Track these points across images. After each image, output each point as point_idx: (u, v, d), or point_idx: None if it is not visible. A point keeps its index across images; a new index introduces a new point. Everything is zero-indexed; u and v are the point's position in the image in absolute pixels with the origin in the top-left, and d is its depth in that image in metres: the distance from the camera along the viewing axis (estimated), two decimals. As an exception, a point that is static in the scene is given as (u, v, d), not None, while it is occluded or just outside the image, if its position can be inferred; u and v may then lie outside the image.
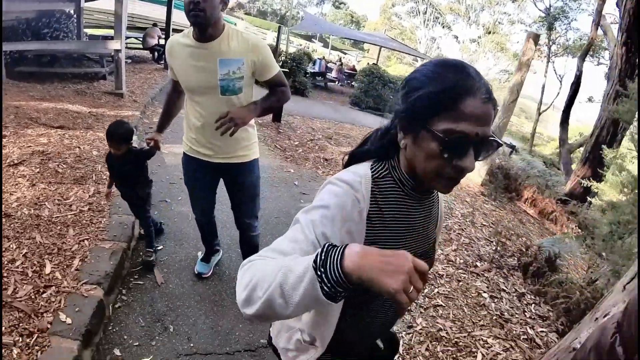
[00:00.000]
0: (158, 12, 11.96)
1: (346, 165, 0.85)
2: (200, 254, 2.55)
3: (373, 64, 13.82)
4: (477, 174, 6.43)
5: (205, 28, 1.62)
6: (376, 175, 0.78)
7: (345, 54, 31.38)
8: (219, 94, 1.73)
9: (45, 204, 2.46)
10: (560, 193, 6.36)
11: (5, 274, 1.85)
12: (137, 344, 1.85)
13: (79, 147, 3.47)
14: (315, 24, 15.06)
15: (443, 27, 31.50)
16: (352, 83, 14.46)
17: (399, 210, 0.80)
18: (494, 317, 2.84)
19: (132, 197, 2.37)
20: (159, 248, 2.60)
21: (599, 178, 4.16)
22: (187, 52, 1.70)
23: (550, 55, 16.88)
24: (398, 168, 0.79)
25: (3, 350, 1.50)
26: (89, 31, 10.31)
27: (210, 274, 2.48)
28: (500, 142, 0.73)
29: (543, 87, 16.84)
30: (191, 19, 1.56)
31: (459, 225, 4.45)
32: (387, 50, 21.01)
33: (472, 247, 4.01)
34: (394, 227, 0.80)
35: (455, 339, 2.49)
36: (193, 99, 1.81)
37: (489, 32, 27.88)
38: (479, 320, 2.77)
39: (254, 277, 0.62)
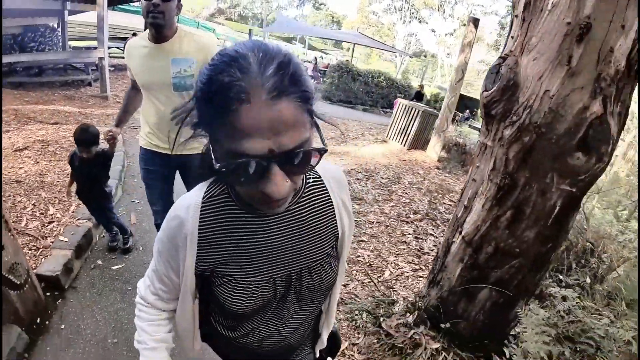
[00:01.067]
0: (136, 22, 12.61)
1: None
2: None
3: (345, 60, 14.61)
4: (432, 151, 7.17)
5: (162, 29, 1.75)
6: (208, 195, 0.70)
7: (326, 54, 32.09)
8: (172, 90, 1.85)
9: (47, 174, 3.19)
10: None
11: (18, 215, 2.57)
12: (114, 257, 2.59)
13: (72, 137, 4.20)
14: (287, 25, 15.80)
15: (420, 22, 32.38)
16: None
17: (240, 229, 0.70)
18: (413, 251, 3.53)
19: (94, 196, 2.47)
20: (131, 234, 2.74)
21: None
22: (144, 53, 1.82)
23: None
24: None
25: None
26: (73, 43, 10.91)
27: None
28: (322, 147, 0.57)
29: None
30: (149, 20, 1.70)
31: (403, 190, 5.15)
32: (367, 47, 21.81)
33: (410, 205, 4.68)
34: (234, 247, 0.71)
35: (370, 262, 3.19)
36: (149, 96, 1.91)
37: (464, 25, 28.75)
38: (397, 252, 3.47)
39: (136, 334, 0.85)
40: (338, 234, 0.81)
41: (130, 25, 13.06)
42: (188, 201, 0.70)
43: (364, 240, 3.55)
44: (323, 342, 0.98)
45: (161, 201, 2.20)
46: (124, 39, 11.14)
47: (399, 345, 2.01)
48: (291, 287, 0.77)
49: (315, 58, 19.99)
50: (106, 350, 1.89)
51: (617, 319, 2.06)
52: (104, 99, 6.49)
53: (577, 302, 2.05)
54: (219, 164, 0.53)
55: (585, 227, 3.21)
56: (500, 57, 1.43)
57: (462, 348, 1.89)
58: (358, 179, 5.21)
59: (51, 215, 2.67)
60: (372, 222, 3.96)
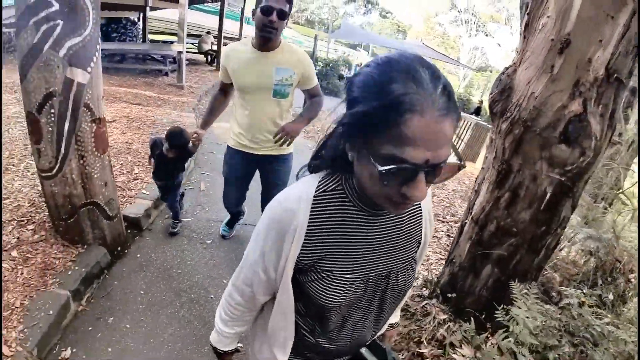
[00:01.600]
0: (211, 21, 13.72)
1: (300, 176, 0.79)
2: (225, 219, 2.90)
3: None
4: (481, 163, 7.22)
5: (271, 42, 1.91)
6: (322, 189, 0.71)
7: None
8: (271, 96, 2.01)
9: (133, 143, 3.84)
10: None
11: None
12: (184, 212, 3.10)
13: (153, 116, 4.92)
14: (351, 32, 16.27)
15: (486, 35, 31.51)
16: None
17: (349, 224, 0.72)
18: (443, 245, 3.67)
19: (167, 181, 2.65)
20: (182, 221, 2.91)
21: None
22: (247, 58, 1.96)
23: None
24: (351, 181, 0.71)
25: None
26: (151, 36, 12.15)
27: (232, 235, 2.90)
28: (462, 163, 0.66)
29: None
30: (262, 33, 1.85)
31: (445, 195, 5.25)
32: (430, 59, 21.67)
33: (450, 209, 4.80)
34: (340, 242, 0.72)
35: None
36: (244, 98, 2.07)
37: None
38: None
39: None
40: (421, 240, 0.85)
41: (205, 24, 14.24)
42: (299, 193, 0.71)
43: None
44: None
45: (236, 197, 2.49)
46: (198, 36, 12.23)
47: (411, 311, 2.32)
48: (379, 287, 0.79)
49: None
50: (170, 277, 2.37)
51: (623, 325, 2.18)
52: (180, 88, 7.30)
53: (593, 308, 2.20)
54: (381, 167, 0.55)
55: (615, 244, 3.26)
56: (505, 67, 1.73)
57: (468, 321, 2.16)
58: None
59: (135, 174, 3.25)
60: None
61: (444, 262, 3.41)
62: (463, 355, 1.78)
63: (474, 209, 2.00)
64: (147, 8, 10.35)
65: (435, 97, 0.52)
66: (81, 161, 2.02)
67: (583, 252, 3.18)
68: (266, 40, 1.89)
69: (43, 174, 2.01)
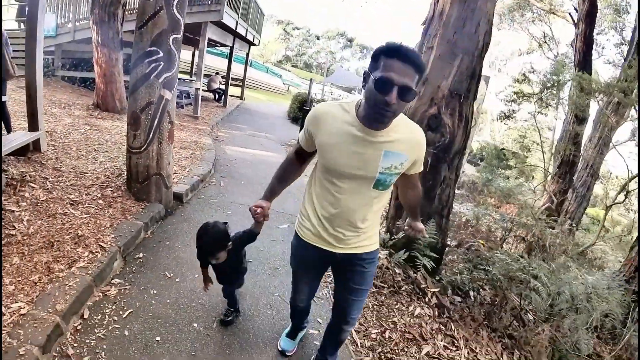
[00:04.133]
0: (218, 63, 15.50)
1: None
2: (286, 330, 2.34)
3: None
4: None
5: (384, 125, 1.39)
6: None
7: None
8: (371, 187, 1.51)
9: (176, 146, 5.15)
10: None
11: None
12: (211, 192, 4.34)
13: (178, 136, 6.29)
14: (343, 77, 18.22)
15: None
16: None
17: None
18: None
19: (233, 278, 2.28)
20: (238, 310, 2.46)
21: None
22: (347, 133, 1.43)
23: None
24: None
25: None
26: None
27: (294, 351, 2.27)
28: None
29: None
30: (376, 115, 1.32)
31: None
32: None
33: None
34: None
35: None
36: (333, 182, 1.54)
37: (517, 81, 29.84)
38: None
39: None
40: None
41: (212, 65, 16.04)
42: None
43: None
44: None
45: (308, 289, 1.96)
46: (208, 76, 13.90)
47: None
48: None
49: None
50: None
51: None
52: (195, 118, 8.74)
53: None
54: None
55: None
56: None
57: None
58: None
59: (181, 165, 4.58)
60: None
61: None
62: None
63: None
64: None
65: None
66: (159, 145, 3.31)
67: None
68: (381, 124, 1.38)
69: (133, 151, 3.30)
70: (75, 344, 1.95)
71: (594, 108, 8.54)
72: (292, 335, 2.29)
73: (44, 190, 3.29)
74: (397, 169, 1.49)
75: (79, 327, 2.06)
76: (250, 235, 2.02)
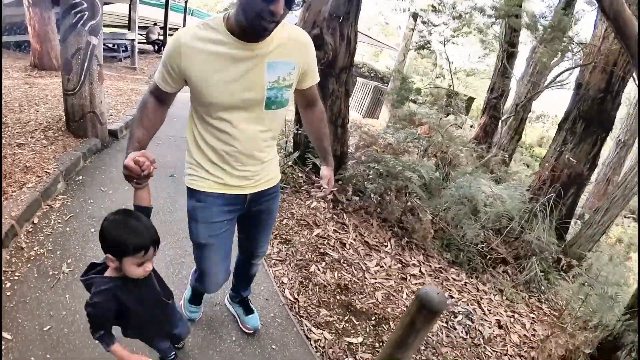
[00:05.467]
0: (155, 14, 14.96)
1: None
2: (187, 293, 2.00)
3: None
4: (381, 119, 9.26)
5: (266, 36, 1.15)
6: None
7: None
8: (263, 109, 1.28)
9: (111, 93, 5.48)
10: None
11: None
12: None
13: (116, 86, 6.54)
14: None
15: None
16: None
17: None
18: None
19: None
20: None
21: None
22: (221, 55, 1.18)
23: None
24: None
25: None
26: (104, 29, 13.30)
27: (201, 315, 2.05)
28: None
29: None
30: (257, 29, 1.10)
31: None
32: (372, 46, 24.20)
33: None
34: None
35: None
36: (220, 118, 1.27)
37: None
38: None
39: None
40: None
41: (150, 16, 15.45)
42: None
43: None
44: None
45: (226, 261, 1.61)
46: (145, 28, 13.47)
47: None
48: None
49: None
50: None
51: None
52: (134, 69, 8.84)
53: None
54: None
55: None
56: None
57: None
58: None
59: (114, 106, 4.96)
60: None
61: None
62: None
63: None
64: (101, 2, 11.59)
65: None
66: (90, 86, 3.74)
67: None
68: (259, 36, 1.15)
69: (68, 93, 3.72)
70: (27, 241, 2.49)
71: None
72: (196, 300, 1.97)
73: (-9, 140, 3.67)
74: (287, 81, 1.28)
75: (30, 230, 2.61)
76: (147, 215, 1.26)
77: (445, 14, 7.66)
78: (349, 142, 4.20)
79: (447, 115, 9.02)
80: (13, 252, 2.34)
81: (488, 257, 3.91)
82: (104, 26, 13.82)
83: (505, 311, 3.19)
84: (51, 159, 3.42)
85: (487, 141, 9.17)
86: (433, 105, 7.31)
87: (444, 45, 7.37)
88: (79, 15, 3.47)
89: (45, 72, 6.80)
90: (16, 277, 2.14)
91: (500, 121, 9.01)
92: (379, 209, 3.65)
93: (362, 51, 24.94)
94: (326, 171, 1.64)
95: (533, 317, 3.27)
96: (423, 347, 2.31)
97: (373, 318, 2.40)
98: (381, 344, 2.21)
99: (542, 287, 3.81)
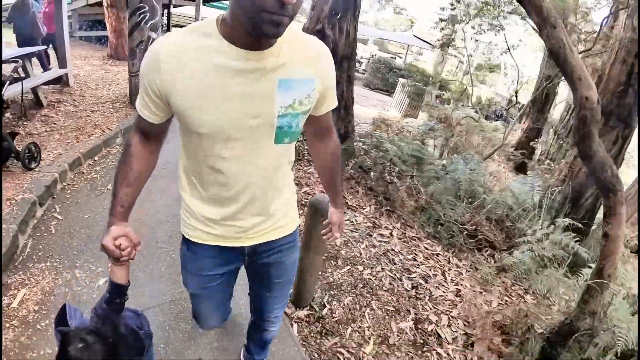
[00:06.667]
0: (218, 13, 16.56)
1: None
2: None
3: (390, 56, 17.25)
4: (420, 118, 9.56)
5: (277, 37, 0.83)
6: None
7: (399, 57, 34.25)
8: (272, 142, 0.97)
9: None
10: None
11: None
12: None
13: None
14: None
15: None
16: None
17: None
18: None
19: None
20: None
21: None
22: (217, 67, 0.86)
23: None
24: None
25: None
26: (173, 29, 15.21)
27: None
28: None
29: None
30: (265, 26, 0.76)
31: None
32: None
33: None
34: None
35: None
36: (215, 154, 0.96)
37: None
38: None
39: None
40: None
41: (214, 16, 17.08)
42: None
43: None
44: None
45: (219, 312, 1.43)
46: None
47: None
48: None
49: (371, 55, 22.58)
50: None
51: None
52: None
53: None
54: None
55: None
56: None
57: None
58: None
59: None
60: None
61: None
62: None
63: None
64: (171, 5, 13.34)
65: None
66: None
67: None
68: (269, 35, 0.80)
69: (132, 74, 4.80)
70: (87, 169, 3.47)
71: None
72: None
73: (73, 106, 4.82)
74: (304, 105, 0.96)
75: (90, 163, 3.60)
76: (114, 297, 1.05)
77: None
78: (353, 124, 4.76)
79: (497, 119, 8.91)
80: (75, 174, 3.32)
81: (476, 239, 4.17)
82: (175, 25, 15.97)
83: (473, 286, 3.41)
84: (114, 122, 4.45)
85: (529, 148, 8.85)
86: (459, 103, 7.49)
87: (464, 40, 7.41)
88: (142, 15, 4.49)
89: (119, 61, 8.19)
90: (75, 189, 3.11)
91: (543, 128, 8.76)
92: (365, 180, 4.17)
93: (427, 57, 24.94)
94: (336, 216, 1.34)
95: (506, 300, 3.30)
96: (361, 285, 2.76)
97: (325, 256, 2.95)
98: (325, 273, 2.75)
99: (530, 278, 3.70)
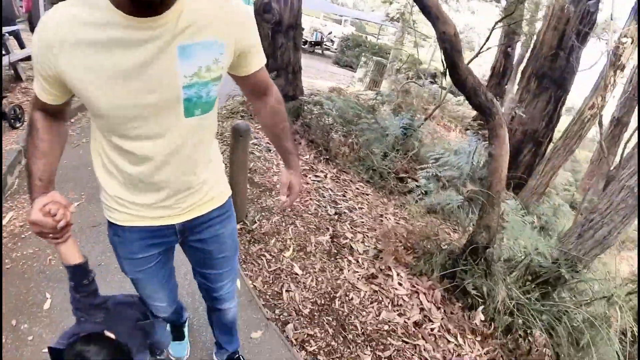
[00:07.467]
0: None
1: None
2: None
3: (352, 32, 17.71)
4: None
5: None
6: None
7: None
8: (182, 116, 0.91)
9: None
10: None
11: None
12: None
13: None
14: (309, 2, 18.90)
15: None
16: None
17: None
18: None
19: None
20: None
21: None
22: (107, 41, 0.78)
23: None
24: None
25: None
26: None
27: (188, 353, 1.80)
28: None
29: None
30: None
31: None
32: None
33: None
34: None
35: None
36: (121, 134, 0.91)
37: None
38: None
39: None
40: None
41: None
42: None
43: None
44: None
45: (164, 291, 1.32)
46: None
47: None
48: None
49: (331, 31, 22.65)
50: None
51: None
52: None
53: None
54: None
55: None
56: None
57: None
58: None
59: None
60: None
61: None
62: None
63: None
64: None
65: None
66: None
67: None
68: None
69: None
70: None
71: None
72: (177, 336, 1.75)
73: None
74: (213, 71, 0.88)
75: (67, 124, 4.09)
76: (78, 279, 1.01)
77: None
78: (302, 87, 5.26)
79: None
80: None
81: (405, 184, 4.74)
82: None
83: (395, 215, 4.02)
84: None
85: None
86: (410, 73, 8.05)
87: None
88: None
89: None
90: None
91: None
92: (308, 134, 4.70)
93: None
94: (286, 176, 1.21)
95: (424, 226, 3.66)
96: (289, 210, 3.29)
97: (262, 187, 3.50)
98: (260, 200, 3.31)
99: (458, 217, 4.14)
